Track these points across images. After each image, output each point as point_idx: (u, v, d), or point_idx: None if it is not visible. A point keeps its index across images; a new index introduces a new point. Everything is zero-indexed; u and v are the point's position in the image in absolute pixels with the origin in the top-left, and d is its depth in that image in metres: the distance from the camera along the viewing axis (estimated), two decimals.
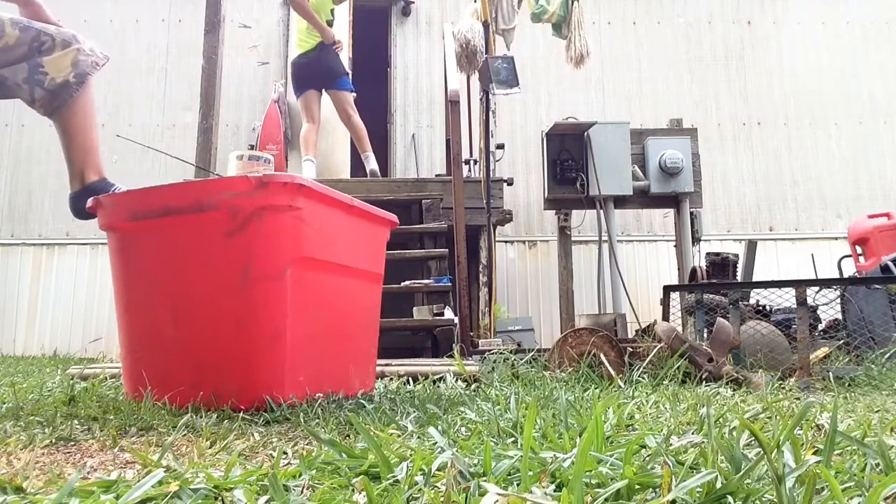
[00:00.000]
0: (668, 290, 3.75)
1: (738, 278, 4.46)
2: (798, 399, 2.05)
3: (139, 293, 1.94)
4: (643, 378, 2.46)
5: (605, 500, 0.79)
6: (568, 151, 5.01)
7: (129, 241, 1.95)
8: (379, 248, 2.39)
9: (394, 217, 2.36)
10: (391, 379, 2.63)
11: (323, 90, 5.54)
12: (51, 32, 2.17)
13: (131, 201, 1.94)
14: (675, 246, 5.26)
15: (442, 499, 0.81)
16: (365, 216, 2.24)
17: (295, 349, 1.89)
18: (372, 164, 5.49)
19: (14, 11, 2.20)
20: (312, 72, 5.45)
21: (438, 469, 0.95)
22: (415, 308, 4.08)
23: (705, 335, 3.34)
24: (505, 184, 5.30)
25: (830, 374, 2.75)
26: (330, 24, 5.56)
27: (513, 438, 1.24)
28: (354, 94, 5.75)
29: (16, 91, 2.16)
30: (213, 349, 1.83)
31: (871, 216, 5.20)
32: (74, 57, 2.18)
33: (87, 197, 2.09)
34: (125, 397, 1.94)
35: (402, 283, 4.18)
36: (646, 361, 2.61)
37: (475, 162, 5.73)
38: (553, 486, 0.88)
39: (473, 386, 2.45)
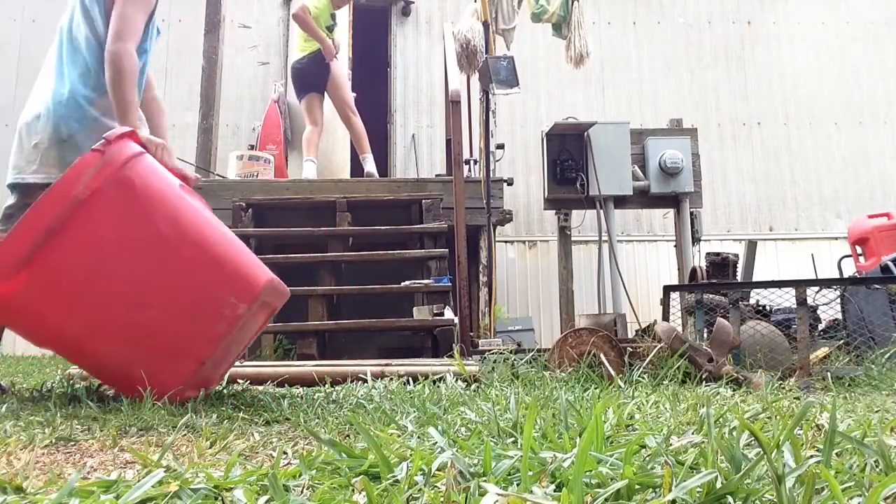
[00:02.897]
0: (668, 290, 3.75)
1: (738, 278, 4.46)
2: (798, 399, 2.05)
3: (87, 318, 1.84)
4: (643, 378, 2.46)
5: (605, 500, 0.79)
6: (568, 151, 5.01)
7: (34, 289, 1.78)
8: None
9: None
10: (391, 379, 2.63)
11: (325, 92, 5.54)
12: None
13: (7, 251, 1.78)
14: (675, 246, 5.26)
15: (442, 499, 0.81)
16: None
17: (235, 251, 2.03)
18: (370, 166, 5.48)
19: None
20: (313, 74, 5.45)
21: (438, 469, 0.95)
22: (415, 308, 4.08)
23: (705, 335, 3.34)
24: (505, 184, 5.30)
25: (830, 374, 2.75)
26: (331, 28, 5.55)
27: (513, 438, 1.24)
28: (354, 95, 5.76)
29: None
30: (194, 289, 1.89)
31: (871, 216, 5.20)
32: None
33: None
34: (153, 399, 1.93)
35: (402, 283, 4.18)
36: (646, 361, 2.61)
37: (475, 162, 5.72)
38: (553, 486, 0.88)
39: (473, 386, 2.45)
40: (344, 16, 6.44)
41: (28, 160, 2.21)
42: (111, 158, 1.84)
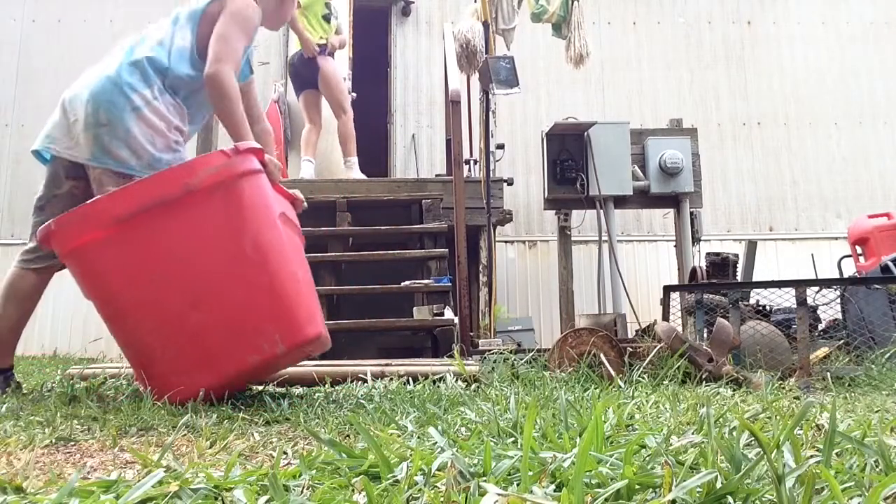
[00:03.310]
0: (668, 290, 3.75)
1: (738, 278, 4.46)
2: (798, 399, 2.05)
3: (142, 295, 1.92)
4: (643, 378, 2.46)
5: (605, 500, 0.79)
6: (568, 151, 5.01)
7: (113, 246, 1.89)
8: None
9: None
10: (391, 379, 2.63)
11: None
12: None
13: (112, 204, 1.90)
14: (675, 246, 5.26)
15: (442, 499, 0.81)
16: None
17: (307, 289, 2.10)
18: (353, 172, 5.28)
19: None
20: (304, 70, 5.38)
21: (438, 469, 0.95)
22: (415, 308, 4.08)
23: (705, 335, 3.34)
24: (505, 184, 5.30)
25: (830, 374, 2.75)
26: (328, 18, 5.39)
27: (513, 438, 1.24)
28: (354, 95, 5.72)
29: None
30: (243, 310, 1.91)
31: (871, 216, 5.20)
32: None
33: None
34: (153, 399, 1.93)
35: (402, 283, 4.18)
36: (646, 361, 2.61)
37: (475, 162, 5.72)
38: (553, 486, 0.88)
39: (473, 386, 2.45)
40: (344, 16, 6.41)
41: (63, 134, 2.21)
42: (232, 165, 1.93)
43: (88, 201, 1.96)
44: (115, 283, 1.93)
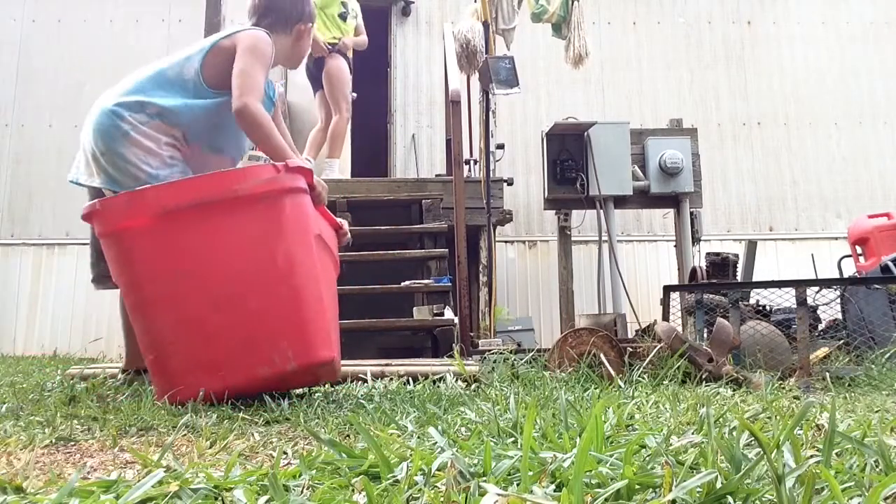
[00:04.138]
0: (668, 290, 3.75)
1: (738, 278, 4.46)
2: (798, 399, 2.05)
3: (169, 288, 1.95)
4: (643, 378, 2.46)
5: (605, 500, 0.79)
6: (568, 151, 5.01)
7: (153, 235, 1.95)
8: None
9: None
10: (391, 379, 2.63)
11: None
12: None
13: (161, 195, 1.97)
14: (675, 246, 5.26)
15: (442, 499, 0.81)
16: None
17: (330, 312, 2.12)
18: (327, 172, 5.20)
19: None
20: (313, 69, 5.39)
21: (438, 469, 0.95)
22: (415, 308, 4.08)
23: (705, 335, 3.34)
24: (505, 184, 5.30)
25: (830, 374, 2.75)
26: (344, 17, 5.34)
27: (513, 438, 1.24)
28: (354, 95, 5.71)
29: None
30: (261, 321, 1.93)
31: (871, 216, 5.20)
32: None
33: None
34: (155, 397, 1.94)
35: (402, 283, 4.18)
36: (646, 361, 2.61)
37: (475, 162, 5.72)
38: (553, 486, 0.88)
39: (473, 386, 2.45)
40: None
41: (84, 165, 2.38)
42: (279, 180, 1.98)
43: (136, 189, 2.04)
44: (146, 272, 1.97)
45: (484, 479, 0.89)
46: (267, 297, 1.95)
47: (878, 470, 0.91)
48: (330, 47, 5.28)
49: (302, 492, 0.90)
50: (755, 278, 4.73)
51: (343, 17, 5.39)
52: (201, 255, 1.94)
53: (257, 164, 2.10)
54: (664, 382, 2.42)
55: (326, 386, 2.44)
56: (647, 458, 0.99)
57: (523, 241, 7.07)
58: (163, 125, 2.32)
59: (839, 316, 3.95)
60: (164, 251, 1.94)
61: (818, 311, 4.01)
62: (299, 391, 2.32)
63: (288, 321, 1.96)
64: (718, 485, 0.79)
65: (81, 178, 2.38)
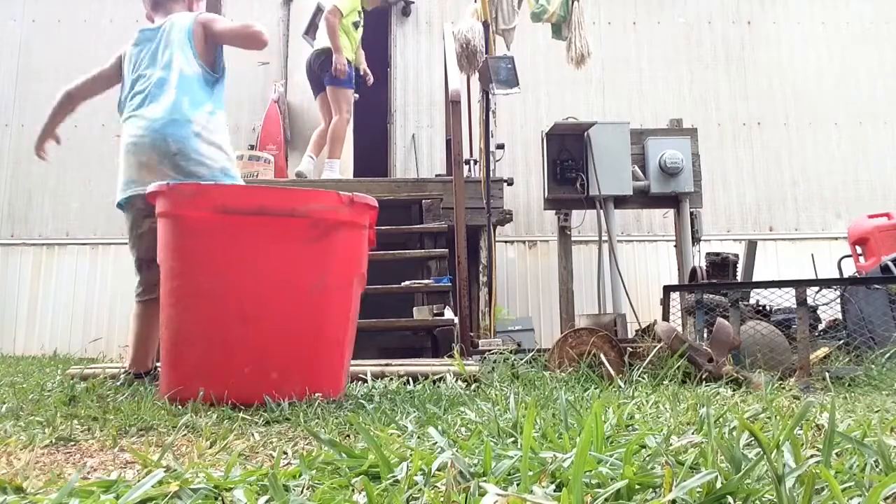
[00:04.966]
0: (668, 290, 3.75)
1: (738, 278, 4.46)
2: (798, 399, 2.05)
3: (205, 286, 1.96)
4: (643, 378, 2.46)
5: (605, 500, 0.79)
6: (568, 151, 5.01)
7: (208, 230, 1.97)
8: None
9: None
10: (391, 379, 2.63)
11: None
12: None
13: (224, 195, 2.02)
14: (675, 246, 5.26)
15: (442, 499, 0.81)
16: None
17: (347, 353, 2.12)
18: (327, 172, 5.20)
19: None
20: (317, 71, 5.39)
21: (438, 469, 0.95)
22: (415, 308, 4.08)
23: (705, 335, 3.34)
24: (505, 184, 5.29)
25: (830, 374, 2.75)
26: (357, 25, 5.38)
27: (513, 438, 1.24)
28: (357, 96, 5.70)
29: None
30: (280, 346, 1.94)
31: (871, 216, 5.20)
32: None
33: None
34: (158, 393, 1.94)
35: (402, 283, 4.17)
36: (646, 361, 2.61)
37: (475, 162, 5.72)
38: (553, 486, 0.88)
39: (473, 386, 2.45)
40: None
41: (141, 174, 2.56)
42: (341, 211, 2.03)
43: (204, 183, 2.16)
44: (188, 263, 1.99)
45: (484, 479, 0.89)
46: (292, 324, 1.95)
47: (878, 470, 0.91)
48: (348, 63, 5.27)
49: (302, 492, 0.90)
50: (755, 278, 4.73)
51: (356, 25, 5.42)
52: (244, 262, 1.94)
53: (323, 191, 2.14)
54: (664, 382, 2.42)
55: None
56: (647, 458, 0.99)
57: (523, 241, 7.07)
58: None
59: (839, 316, 3.95)
60: (211, 249, 1.95)
61: (818, 311, 4.01)
62: None
63: (304, 354, 1.96)
64: (718, 485, 0.79)
65: (145, 184, 2.41)
